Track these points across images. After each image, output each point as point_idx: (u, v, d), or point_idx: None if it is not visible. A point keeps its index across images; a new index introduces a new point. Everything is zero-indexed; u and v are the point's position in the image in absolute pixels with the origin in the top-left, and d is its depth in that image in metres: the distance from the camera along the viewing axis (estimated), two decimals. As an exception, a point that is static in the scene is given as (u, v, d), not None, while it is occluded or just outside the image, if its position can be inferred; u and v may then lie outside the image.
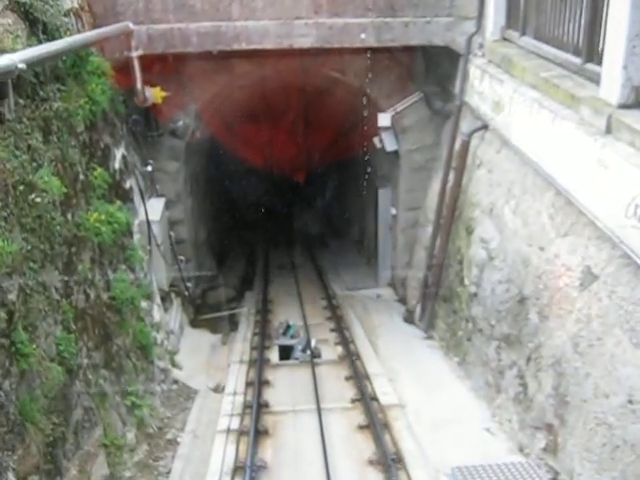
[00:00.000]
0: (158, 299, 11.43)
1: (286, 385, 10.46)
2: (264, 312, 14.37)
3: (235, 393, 9.92)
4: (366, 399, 9.29)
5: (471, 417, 8.83)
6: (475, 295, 10.14)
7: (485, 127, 10.53)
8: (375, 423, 8.49)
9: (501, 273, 9.12)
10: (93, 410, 7.26)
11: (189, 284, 14.11)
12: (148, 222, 11.26)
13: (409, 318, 13.56)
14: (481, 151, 10.71)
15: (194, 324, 14.05)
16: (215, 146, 17.25)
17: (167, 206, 13.52)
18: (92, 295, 7.91)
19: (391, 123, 13.45)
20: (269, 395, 9.96)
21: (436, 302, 11.99)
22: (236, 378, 10.57)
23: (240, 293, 17.07)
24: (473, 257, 10.36)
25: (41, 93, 7.35)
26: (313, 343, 11.88)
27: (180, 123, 13.35)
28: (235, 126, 16.51)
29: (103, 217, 8.43)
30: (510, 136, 9.18)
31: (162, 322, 11.34)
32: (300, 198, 26.68)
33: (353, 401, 9.55)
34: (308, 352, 11.53)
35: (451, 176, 11.65)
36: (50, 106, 7.46)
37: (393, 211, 14.98)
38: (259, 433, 8.52)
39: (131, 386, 8.74)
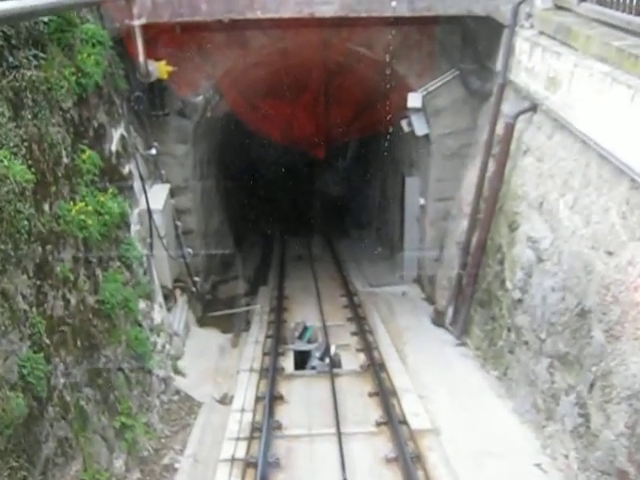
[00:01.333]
0: (160, 298, 10.24)
1: (301, 401, 9.18)
2: (279, 310, 13.12)
3: (243, 410, 8.68)
4: (394, 423, 7.98)
5: (517, 448, 7.54)
6: (520, 302, 8.82)
7: (534, 108, 9.15)
8: (405, 456, 7.19)
9: (554, 279, 7.78)
10: (70, 440, 6.06)
11: (197, 278, 12.90)
12: (149, 212, 10.05)
13: (438, 320, 12.27)
14: (528, 136, 9.34)
15: (202, 322, 12.87)
16: (229, 125, 15.99)
17: (173, 193, 12.35)
18: (73, 300, 6.68)
19: (422, 104, 12.10)
20: (282, 414, 8.69)
21: (471, 305, 10.68)
22: (245, 390, 9.34)
23: (254, 286, 15.88)
24: (518, 257, 9.03)
25: (10, 59, 6.11)
26: (333, 350, 10.62)
27: (199, 98, 12.11)
28: (252, 103, 15.16)
29: (90, 207, 7.20)
30: (569, 118, 7.78)
31: (164, 324, 10.15)
32: (320, 183, 25.40)
33: (379, 424, 8.25)
34: (327, 360, 10.26)
35: (491, 164, 10.30)
36: (22, 75, 6.22)
37: (421, 201, 13.65)
38: (269, 465, 7.27)
39: (122, 404, 7.53)
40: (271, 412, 8.47)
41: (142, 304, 9.17)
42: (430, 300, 13.41)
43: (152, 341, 9.31)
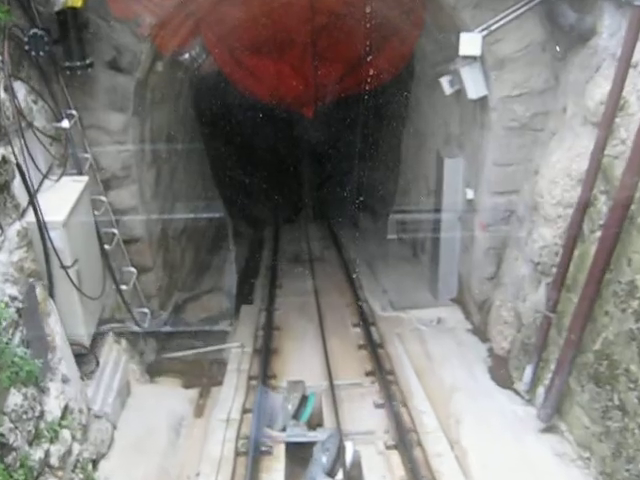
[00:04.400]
0: (64, 368, 6.20)
1: None
2: (266, 353, 9.08)
3: None
4: None
5: None
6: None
7: None
8: None
9: None
10: None
11: (145, 310, 8.87)
12: (42, 228, 5.98)
13: (499, 373, 8.34)
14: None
15: (155, 371, 8.92)
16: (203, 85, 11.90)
17: (109, 186, 8.30)
18: None
19: (481, 51, 7.96)
20: None
21: (571, 372, 6.66)
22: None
23: (236, 303, 11.88)
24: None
25: None
26: (350, 450, 6.54)
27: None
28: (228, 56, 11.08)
29: None
30: None
31: (72, 410, 6.15)
32: (321, 157, 21.13)
33: None
34: (340, 476, 6.21)
35: (615, 143, 6.22)
36: None
37: (469, 194, 9.53)
38: None
39: None
40: None
41: (16, 397, 5.16)
42: (480, 334, 9.44)
43: (39, 457, 5.33)
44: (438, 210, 10.73)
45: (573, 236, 6.76)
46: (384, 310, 10.75)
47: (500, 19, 7.83)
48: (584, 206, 6.56)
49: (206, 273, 12.96)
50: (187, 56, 10.02)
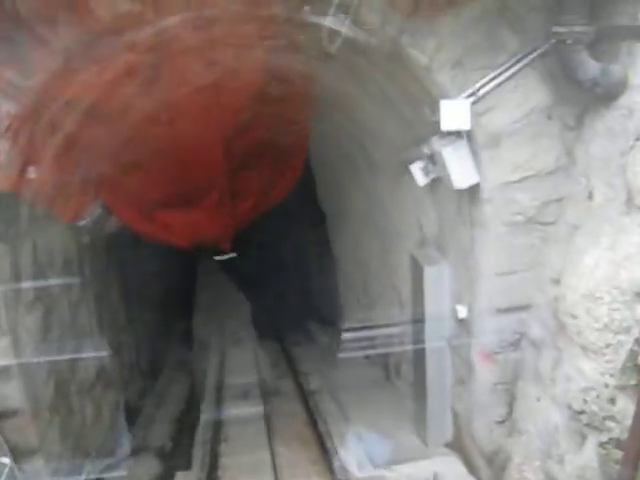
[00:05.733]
0: None
1: None
2: None
3: None
4: None
5: None
6: None
7: None
8: None
9: None
10: None
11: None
12: None
13: None
14: None
15: None
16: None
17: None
18: None
19: (470, 123, 5.88)
20: None
21: None
22: None
23: (169, 467, 9.22)
24: None
25: None
26: None
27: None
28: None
29: None
30: None
31: None
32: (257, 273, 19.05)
33: None
34: None
35: None
36: None
37: (461, 312, 7.23)
38: None
39: None
40: None
41: None
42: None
43: None
44: (419, 330, 8.42)
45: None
46: (361, 468, 8.18)
47: (490, 80, 5.82)
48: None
49: (134, 426, 10.32)
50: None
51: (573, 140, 5.96)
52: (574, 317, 5.51)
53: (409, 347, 9.26)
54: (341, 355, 12.20)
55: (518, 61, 5.75)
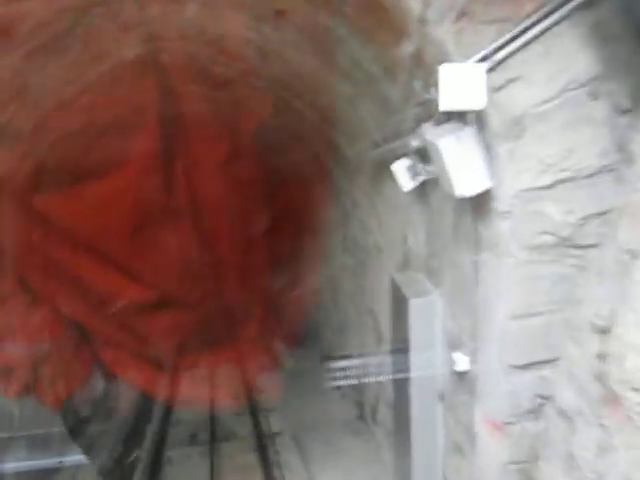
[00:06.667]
0: None
1: None
2: None
3: None
4: None
5: None
6: None
7: None
8: None
9: None
10: None
11: None
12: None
13: None
14: None
15: None
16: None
17: None
18: None
19: (485, 100, 4.00)
20: None
21: None
22: None
23: None
24: None
25: None
26: None
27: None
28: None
29: None
30: None
31: None
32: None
33: None
34: None
35: None
36: None
37: (461, 364, 5.33)
38: None
39: None
40: None
41: None
42: None
43: None
44: (401, 370, 6.55)
45: None
46: None
47: (511, 39, 3.94)
48: None
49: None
50: None
51: (628, 128, 4.11)
52: (632, 388, 3.69)
53: (389, 388, 7.52)
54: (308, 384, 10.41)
55: (551, 12, 3.88)
